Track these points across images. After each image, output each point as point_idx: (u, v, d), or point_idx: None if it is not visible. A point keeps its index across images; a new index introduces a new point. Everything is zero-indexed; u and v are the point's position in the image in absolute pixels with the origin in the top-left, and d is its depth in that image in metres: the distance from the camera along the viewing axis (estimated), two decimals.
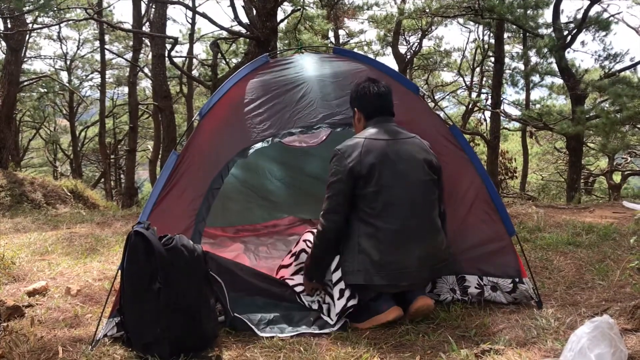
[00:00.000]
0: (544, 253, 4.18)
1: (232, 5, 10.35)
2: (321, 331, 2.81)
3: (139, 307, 2.65)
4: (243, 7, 9.88)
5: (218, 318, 2.83)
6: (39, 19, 18.00)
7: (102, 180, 22.70)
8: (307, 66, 3.72)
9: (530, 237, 4.66)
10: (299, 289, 3.18)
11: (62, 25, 19.81)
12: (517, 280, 3.11)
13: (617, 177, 16.99)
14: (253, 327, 2.81)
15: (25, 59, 20.10)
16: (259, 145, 3.29)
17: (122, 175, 24.41)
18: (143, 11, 16.67)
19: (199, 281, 2.72)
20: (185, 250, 2.74)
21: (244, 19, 9.87)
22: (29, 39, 19.75)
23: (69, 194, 11.94)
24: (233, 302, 2.93)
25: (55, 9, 14.27)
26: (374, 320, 2.85)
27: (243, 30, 10.49)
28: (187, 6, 13.21)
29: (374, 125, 3.06)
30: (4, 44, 15.31)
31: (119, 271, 2.79)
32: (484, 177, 3.32)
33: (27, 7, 10.53)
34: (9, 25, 13.21)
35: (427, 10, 14.34)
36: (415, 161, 2.94)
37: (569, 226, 4.90)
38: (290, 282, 3.24)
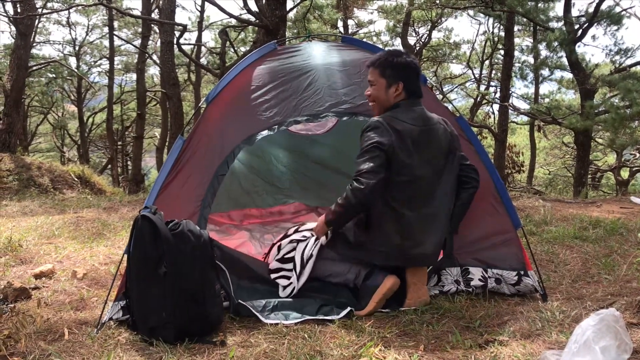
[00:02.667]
0: (550, 246, 4.17)
1: None
2: (325, 317, 2.81)
3: (145, 291, 2.66)
4: None
5: (223, 303, 2.84)
6: (49, 4, 18.03)
7: (109, 166, 22.79)
8: (315, 54, 3.71)
9: (536, 230, 4.64)
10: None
11: (71, 10, 19.82)
12: (522, 272, 3.10)
13: (624, 173, 16.89)
14: (257, 313, 2.81)
15: (34, 44, 20.15)
16: (265, 132, 3.28)
17: (129, 162, 24.49)
18: None
19: (205, 266, 2.73)
20: (192, 236, 2.75)
21: (253, 7, 9.85)
22: (38, 24, 19.78)
23: (75, 179, 11.99)
24: (237, 289, 2.94)
25: None
26: (375, 297, 2.87)
27: (252, 19, 10.44)
28: None
29: (411, 106, 2.97)
30: (13, 28, 15.33)
31: (125, 255, 2.80)
32: (491, 170, 3.30)
33: None
34: (19, 10, 13.20)
35: (438, 2, 14.27)
36: (442, 151, 2.94)
37: (575, 220, 4.88)
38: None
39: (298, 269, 3.05)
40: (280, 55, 3.74)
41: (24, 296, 3.18)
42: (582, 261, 3.80)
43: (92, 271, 3.75)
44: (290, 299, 2.97)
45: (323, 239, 3.08)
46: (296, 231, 3.27)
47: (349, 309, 2.86)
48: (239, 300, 2.87)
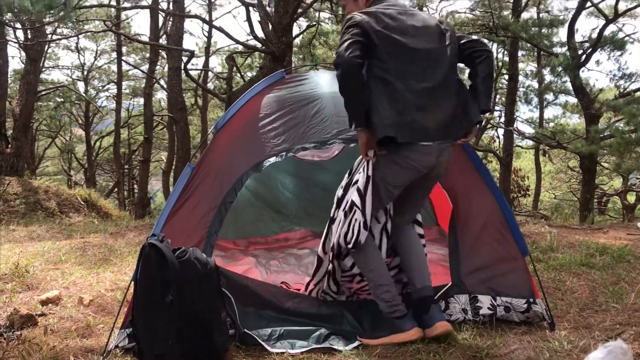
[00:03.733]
0: (557, 274, 4.15)
1: (249, 20, 10.44)
2: (332, 346, 2.80)
3: (151, 319, 2.66)
4: (259, 22, 9.97)
5: (229, 331, 2.83)
6: (58, 30, 18.30)
7: (116, 189, 22.86)
8: (322, 83, 3.75)
9: (543, 257, 4.62)
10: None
11: (80, 36, 20.06)
12: (531, 300, 3.08)
13: (631, 198, 16.82)
14: (263, 342, 2.80)
15: (43, 69, 20.40)
16: (272, 159, 3.30)
17: (135, 185, 24.58)
18: (160, 24, 16.88)
19: (211, 294, 2.73)
20: (198, 264, 2.76)
21: (260, 33, 9.97)
22: (47, 49, 20.05)
23: (82, 203, 12.05)
24: (243, 316, 2.93)
25: (74, 20, 14.51)
26: (394, 337, 2.82)
27: (259, 45, 10.58)
28: (204, 20, 13.36)
29: (380, 1, 2.92)
30: (23, 54, 15.54)
31: (132, 282, 2.81)
32: (498, 196, 3.30)
33: (48, 19, 10.71)
34: (29, 36, 13.42)
35: None
36: (431, 30, 2.84)
37: (582, 247, 4.86)
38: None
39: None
40: (288, 84, 3.78)
41: (30, 323, 3.18)
42: (590, 289, 3.78)
43: (98, 297, 3.75)
44: (296, 327, 2.96)
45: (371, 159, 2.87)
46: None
47: (357, 342, 2.85)
48: (245, 330, 2.86)
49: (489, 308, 3.08)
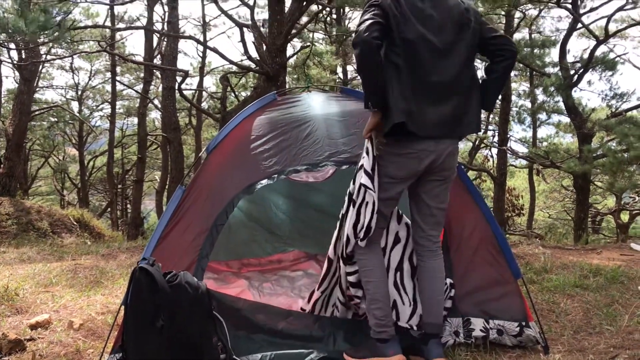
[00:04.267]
0: (550, 295, 4.13)
1: (243, 40, 10.51)
2: None
3: (142, 344, 2.64)
4: (253, 42, 10.05)
5: (220, 356, 2.80)
6: (53, 50, 18.35)
7: (109, 209, 22.76)
8: (314, 105, 3.77)
9: (537, 278, 4.61)
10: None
11: (75, 56, 20.13)
12: (523, 323, 3.07)
13: (624, 217, 16.86)
14: None
15: (37, 89, 20.42)
16: (264, 182, 3.30)
17: (128, 205, 24.48)
18: (155, 44, 16.98)
19: (202, 319, 2.72)
20: (189, 288, 2.75)
21: (254, 54, 10.03)
22: (42, 69, 20.11)
23: (75, 223, 11.97)
24: (234, 340, 2.90)
25: (68, 41, 14.56)
26: None
27: (253, 65, 10.63)
28: (198, 41, 13.43)
29: None
30: (17, 73, 15.57)
31: (123, 306, 2.78)
32: (489, 218, 3.31)
33: (42, 39, 10.75)
34: (23, 56, 13.45)
35: None
36: (452, 20, 2.77)
37: (576, 268, 4.85)
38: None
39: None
40: (280, 106, 3.81)
41: (18, 348, 3.14)
42: (584, 311, 3.77)
43: (88, 321, 3.71)
44: (287, 351, 2.93)
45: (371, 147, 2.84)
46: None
47: None
48: (235, 357, 2.83)
49: (481, 330, 3.07)
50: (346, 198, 3.06)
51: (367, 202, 2.82)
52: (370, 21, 2.60)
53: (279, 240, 5.49)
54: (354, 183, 2.94)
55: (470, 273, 3.17)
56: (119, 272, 5.26)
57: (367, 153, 2.84)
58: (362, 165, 2.86)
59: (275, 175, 3.33)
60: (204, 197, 3.23)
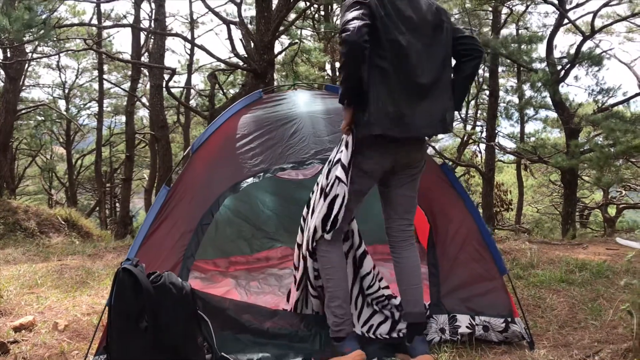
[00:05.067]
0: (536, 291, 4.16)
1: (230, 38, 10.47)
2: None
3: (126, 345, 2.62)
4: (241, 40, 10.00)
5: (205, 356, 2.79)
6: (39, 48, 18.18)
7: (97, 208, 22.61)
8: (300, 102, 3.76)
9: (523, 274, 4.64)
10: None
11: (61, 54, 19.94)
12: (509, 319, 3.08)
13: (612, 210, 17.01)
14: None
15: (23, 87, 20.21)
16: (250, 180, 3.29)
17: (117, 204, 24.35)
18: (142, 42, 16.85)
19: (187, 320, 2.70)
20: (174, 288, 2.73)
21: (242, 51, 10.00)
22: (28, 67, 19.89)
23: (63, 222, 11.87)
24: (220, 341, 2.89)
25: (55, 39, 14.44)
26: None
27: (241, 63, 10.59)
28: (185, 38, 13.35)
29: None
30: (2, 72, 15.42)
31: (107, 307, 2.76)
32: (475, 215, 3.32)
33: (27, 37, 10.64)
34: (9, 55, 13.32)
35: None
36: (427, 22, 2.80)
37: (562, 263, 4.88)
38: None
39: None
40: (266, 104, 3.79)
41: (1, 351, 3.11)
42: (569, 306, 3.79)
43: (74, 322, 3.68)
44: (274, 351, 2.92)
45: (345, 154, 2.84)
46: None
47: None
48: (222, 353, 2.82)
49: (467, 327, 3.07)
50: (315, 190, 3.05)
51: (337, 195, 2.83)
52: (360, 22, 2.57)
53: (267, 236, 5.48)
54: (326, 178, 2.93)
55: (455, 269, 3.18)
56: (105, 272, 5.23)
57: (347, 147, 2.84)
58: (339, 160, 2.86)
59: (262, 174, 3.31)
60: (189, 196, 3.21)
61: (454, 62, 2.95)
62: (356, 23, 2.56)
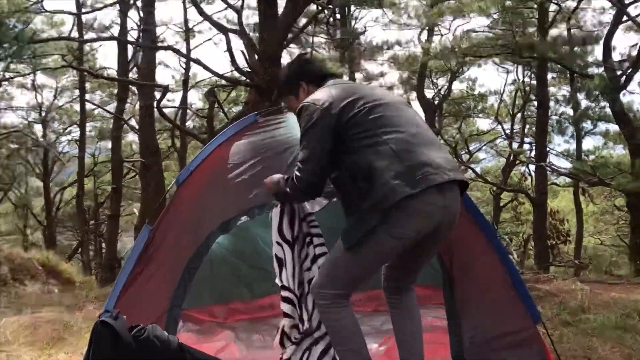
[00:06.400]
0: (587, 339, 4.18)
1: (229, 49, 10.62)
2: None
3: None
4: (242, 52, 10.13)
5: None
6: (12, 66, 18.65)
7: (80, 250, 22.85)
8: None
9: (572, 320, 4.65)
10: None
11: (37, 72, 20.37)
12: None
13: None
14: None
15: None
16: (244, 218, 3.38)
17: (103, 244, 24.57)
18: (130, 55, 17.13)
19: None
20: (158, 342, 2.83)
21: (244, 64, 10.13)
22: None
23: (40, 267, 12.06)
24: None
25: (30, 55, 14.82)
26: None
27: (243, 77, 10.72)
28: (178, 51, 13.57)
29: (330, 84, 3.10)
30: None
31: None
32: (502, 255, 3.35)
33: None
34: None
35: (456, 50, 14.61)
36: (390, 93, 3.07)
37: (618, 306, 4.89)
38: None
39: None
40: (262, 128, 3.83)
41: None
42: (624, 358, 3.81)
43: None
44: None
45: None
46: None
47: None
48: None
49: None
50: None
51: None
52: (319, 168, 2.89)
53: (269, 278, 5.51)
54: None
55: (479, 316, 3.21)
56: (85, 326, 5.33)
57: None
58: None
59: (256, 210, 3.39)
60: (174, 238, 3.32)
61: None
62: (313, 169, 2.90)
